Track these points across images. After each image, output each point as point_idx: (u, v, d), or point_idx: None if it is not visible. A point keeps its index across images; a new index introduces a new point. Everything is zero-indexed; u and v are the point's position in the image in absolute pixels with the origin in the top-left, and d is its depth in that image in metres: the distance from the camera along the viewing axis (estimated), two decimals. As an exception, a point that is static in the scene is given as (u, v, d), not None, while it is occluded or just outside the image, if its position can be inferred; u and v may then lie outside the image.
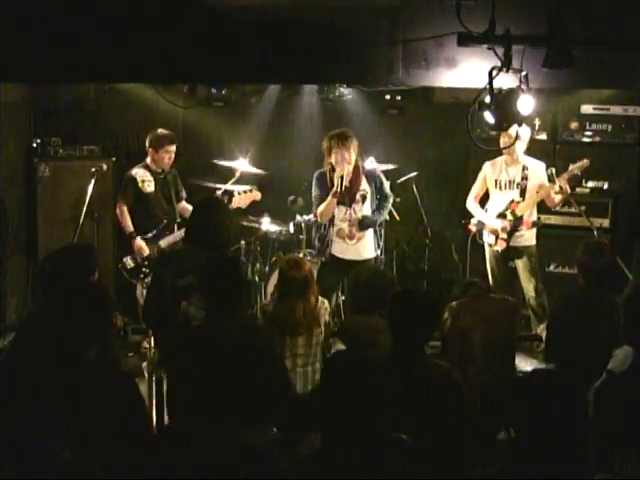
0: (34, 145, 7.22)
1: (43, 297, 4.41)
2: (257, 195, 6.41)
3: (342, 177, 5.83)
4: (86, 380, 3.34)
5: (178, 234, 6.41)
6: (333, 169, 5.97)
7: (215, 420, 3.43)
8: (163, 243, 6.45)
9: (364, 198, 6.03)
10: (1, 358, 4.32)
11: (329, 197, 5.91)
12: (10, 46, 5.14)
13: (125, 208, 6.45)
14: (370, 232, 6.10)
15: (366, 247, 6.08)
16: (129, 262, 6.42)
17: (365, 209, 6.05)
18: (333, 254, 6.05)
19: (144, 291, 6.33)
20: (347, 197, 5.98)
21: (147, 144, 6.55)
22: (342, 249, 6.04)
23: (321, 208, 6.00)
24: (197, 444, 3.11)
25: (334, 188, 5.85)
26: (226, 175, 7.01)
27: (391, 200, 6.27)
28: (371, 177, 6.08)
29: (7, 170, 7.04)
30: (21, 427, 2.60)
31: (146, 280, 6.28)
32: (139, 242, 6.39)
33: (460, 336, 4.53)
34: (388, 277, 4.79)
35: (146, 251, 6.39)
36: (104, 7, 5.18)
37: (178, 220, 6.60)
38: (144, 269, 6.40)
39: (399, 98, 7.76)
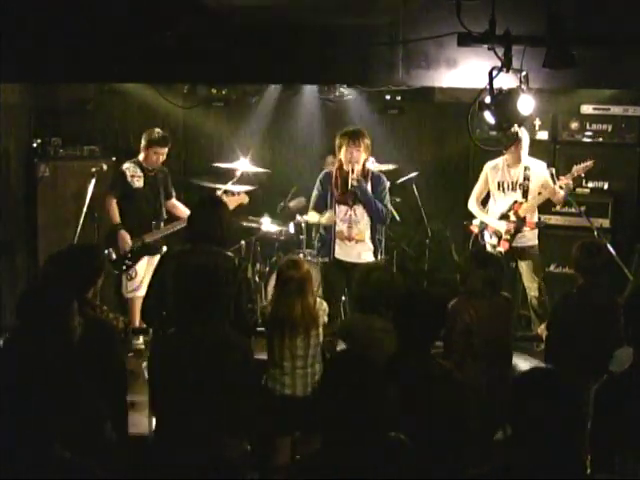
0: (34, 145, 7.22)
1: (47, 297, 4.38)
2: (244, 199, 6.49)
3: (352, 171, 5.80)
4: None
5: (163, 230, 6.58)
6: (340, 168, 5.95)
7: (190, 429, 3.47)
8: (148, 238, 6.55)
9: None
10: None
11: (327, 214, 5.90)
12: (10, 46, 5.14)
13: (114, 201, 6.53)
14: (369, 234, 6.05)
15: (366, 249, 6.02)
16: (112, 254, 6.48)
17: (366, 211, 6.01)
18: (336, 257, 6.01)
19: (128, 284, 6.55)
20: (350, 198, 5.97)
21: (142, 140, 6.60)
22: (342, 251, 6.01)
23: (324, 220, 5.98)
24: (175, 453, 3.15)
25: (339, 190, 5.82)
26: (226, 175, 7.01)
27: (386, 211, 6.16)
28: (377, 182, 6.03)
29: (7, 170, 7.04)
30: (22, 427, 2.60)
31: (129, 271, 6.51)
32: (123, 233, 6.48)
33: (464, 335, 4.52)
34: (399, 279, 4.77)
35: (129, 244, 6.49)
36: (104, 7, 5.18)
37: (165, 217, 6.72)
38: (126, 261, 6.53)
39: (399, 98, 7.76)
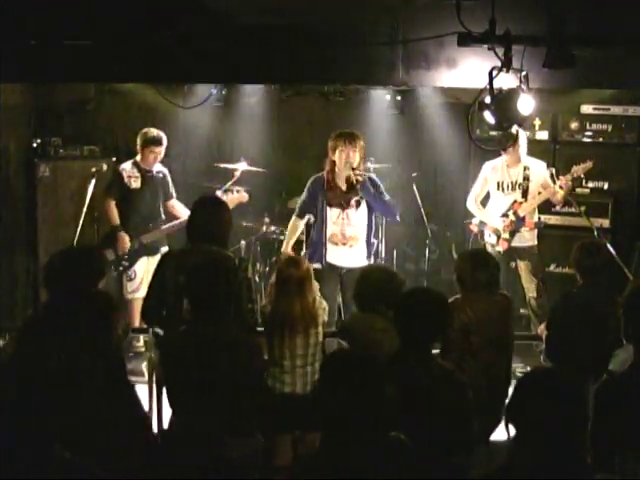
0: (34, 145, 7.23)
1: (49, 298, 4.38)
2: (244, 197, 6.47)
3: (353, 170, 5.77)
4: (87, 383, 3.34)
5: (161, 230, 6.60)
6: (332, 170, 5.93)
7: (202, 427, 3.47)
8: (145, 239, 6.58)
9: (358, 204, 5.93)
10: (4, 358, 4.33)
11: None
12: (10, 46, 5.14)
13: (112, 203, 6.57)
14: (364, 237, 5.98)
15: (360, 252, 5.96)
16: (110, 254, 6.51)
17: (359, 214, 5.95)
18: (328, 261, 5.95)
19: (128, 285, 6.59)
20: (343, 200, 5.92)
21: (137, 141, 6.61)
22: (335, 255, 5.94)
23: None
24: (187, 449, 3.14)
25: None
26: (226, 175, 7.01)
27: (394, 203, 6.15)
28: (371, 182, 5.92)
29: (7, 170, 7.04)
30: (22, 427, 2.60)
31: (129, 273, 6.57)
32: (123, 235, 6.51)
33: (462, 334, 4.51)
34: (399, 278, 4.76)
35: (128, 245, 6.53)
36: (104, 7, 5.18)
37: (164, 218, 6.72)
38: (123, 262, 6.56)
39: (399, 98, 7.76)
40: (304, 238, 6.98)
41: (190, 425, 3.69)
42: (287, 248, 6.17)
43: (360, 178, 5.80)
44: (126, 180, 6.57)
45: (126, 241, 6.51)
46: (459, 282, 4.75)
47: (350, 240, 5.94)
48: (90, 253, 4.61)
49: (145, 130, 6.63)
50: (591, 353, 4.30)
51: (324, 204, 5.95)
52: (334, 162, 5.91)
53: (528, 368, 5.54)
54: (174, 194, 6.87)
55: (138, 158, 6.64)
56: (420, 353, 3.63)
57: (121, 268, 6.57)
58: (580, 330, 4.61)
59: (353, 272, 5.79)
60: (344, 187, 5.91)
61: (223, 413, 3.70)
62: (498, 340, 4.59)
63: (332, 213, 5.95)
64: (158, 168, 6.73)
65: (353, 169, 5.81)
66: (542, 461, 2.52)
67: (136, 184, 6.60)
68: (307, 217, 6.60)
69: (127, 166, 6.63)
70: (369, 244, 6.01)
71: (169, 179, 6.83)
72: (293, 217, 6.19)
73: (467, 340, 4.51)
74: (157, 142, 6.58)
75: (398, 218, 6.17)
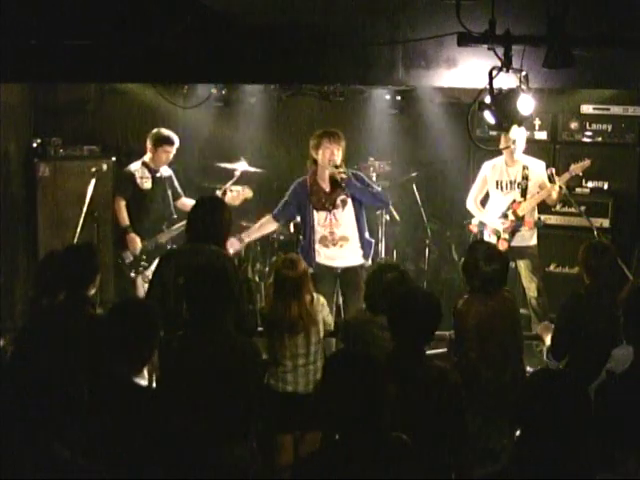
0: (34, 145, 7.23)
1: (47, 297, 4.38)
2: (248, 193, 6.47)
3: (336, 168, 5.75)
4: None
5: (175, 229, 6.56)
6: (315, 171, 5.90)
7: (198, 432, 3.47)
8: (160, 238, 6.58)
9: (344, 203, 5.91)
10: (5, 357, 4.33)
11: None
12: (10, 46, 5.14)
13: (123, 203, 6.54)
14: (355, 236, 5.95)
15: (353, 251, 5.94)
16: (128, 256, 6.50)
17: (346, 213, 5.93)
18: (321, 263, 5.89)
19: (145, 285, 6.43)
20: (328, 202, 5.90)
21: (148, 141, 6.60)
22: (329, 257, 5.91)
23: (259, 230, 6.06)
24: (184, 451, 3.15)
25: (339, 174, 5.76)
26: (226, 175, 7.01)
27: (384, 192, 6.13)
28: (355, 178, 5.92)
29: (7, 170, 7.04)
30: (22, 427, 2.60)
31: (146, 273, 6.44)
32: (132, 236, 6.48)
33: (477, 334, 4.46)
34: (409, 278, 4.70)
35: (139, 245, 6.48)
36: (104, 7, 5.18)
37: (174, 217, 6.71)
38: (142, 262, 6.53)
39: (399, 98, 7.77)
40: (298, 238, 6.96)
41: (187, 427, 3.68)
42: (246, 239, 6.08)
43: (344, 176, 5.78)
44: (139, 181, 6.55)
45: (137, 242, 6.47)
46: (468, 275, 4.68)
47: (340, 240, 5.92)
48: (86, 250, 4.60)
49: (157, 130, 6.64)
50: (599, 353, 4.27)
51: (310, 209, 5.92)
52: (316, 162, 5.89)
53: (528, 368, 5.51)
54: (181, 192, 6.87)
55: (147, 159, 6.62)
56: (415, 354, 3.63)
57: (141, 269, 6.52)
58: (589, 331, 4.59)
59: (350, 271, 5.79)
60: (328, 188, 5.90)
61: (220, 415, 3.69)
62: (510, 339, 4.55)
63: (319, 217, 5.93)
64: (164, 168, 6.73)
65: (336, 167, 5.80)
66: (544, 461, 2.52)
67: (148, 185, 6.59)
68: (283, 222, 6.44)
69: (137, 167, 6.61)
70: (363, 241, 5.98)
71: (174, 178, 6.85)
72: (268, 215, 6.11)
73: (482, 340, 4.46)
74: (170, 141, 6.60)
75: (391, 207, 6.14)
